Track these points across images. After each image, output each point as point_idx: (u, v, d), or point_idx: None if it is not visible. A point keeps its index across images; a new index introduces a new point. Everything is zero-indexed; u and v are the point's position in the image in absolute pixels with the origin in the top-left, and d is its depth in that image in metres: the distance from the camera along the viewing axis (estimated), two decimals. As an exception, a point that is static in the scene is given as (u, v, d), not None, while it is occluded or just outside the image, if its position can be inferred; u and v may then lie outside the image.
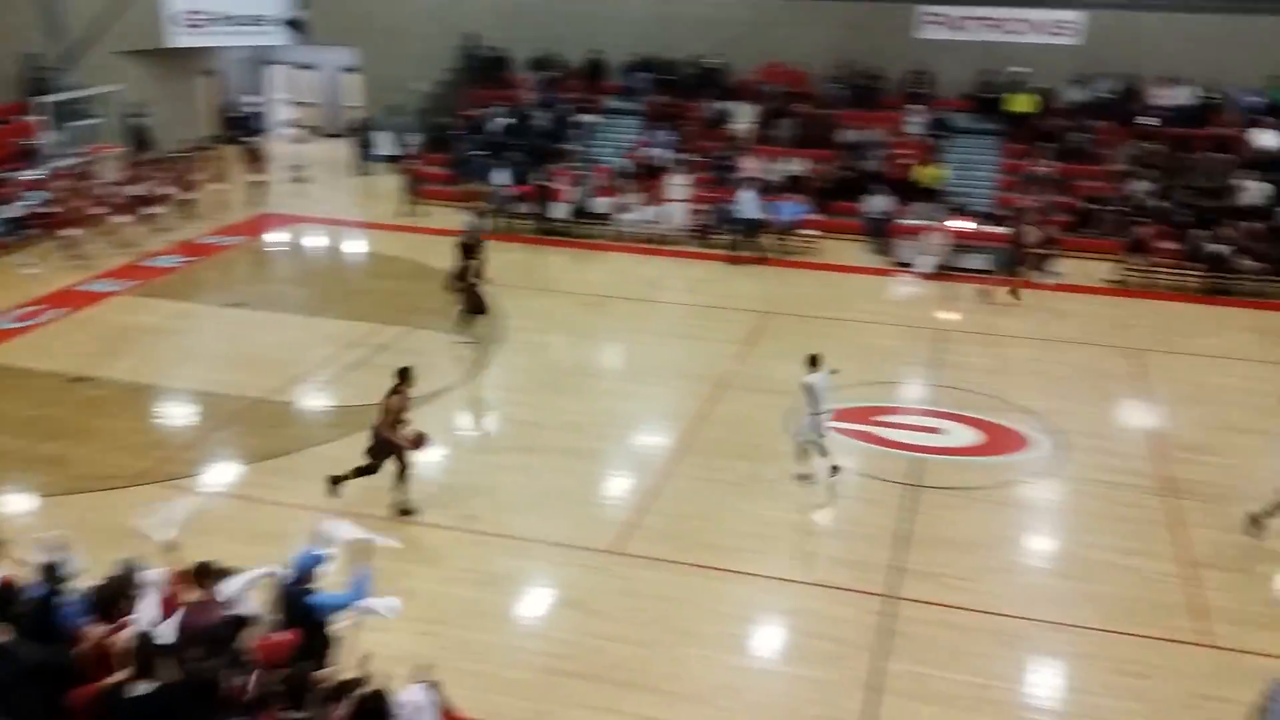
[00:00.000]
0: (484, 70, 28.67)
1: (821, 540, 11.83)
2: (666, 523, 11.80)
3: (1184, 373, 16.35)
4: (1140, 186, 22.41)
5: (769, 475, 12.85)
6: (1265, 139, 22.75)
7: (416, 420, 11.90)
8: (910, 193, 23.01)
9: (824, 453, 12.54)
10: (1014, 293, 19.40)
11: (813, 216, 22.65)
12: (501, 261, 19.33)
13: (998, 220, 21.75)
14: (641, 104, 27.00)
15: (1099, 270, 20.85)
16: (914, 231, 21.39)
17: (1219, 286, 20.07)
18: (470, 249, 18.75)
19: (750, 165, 24.31)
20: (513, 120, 26.71)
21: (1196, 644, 9.99)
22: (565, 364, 16.37)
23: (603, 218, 23.17)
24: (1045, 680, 9.61)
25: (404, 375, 11.63)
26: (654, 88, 27.19)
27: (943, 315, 18.92)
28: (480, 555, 11.14)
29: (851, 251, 22.43)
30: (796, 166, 24.21)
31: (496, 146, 25.74)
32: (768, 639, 10.09)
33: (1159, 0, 24.57)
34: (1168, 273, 20.49)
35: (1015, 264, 19.51)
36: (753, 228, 21.74)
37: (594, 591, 10.55)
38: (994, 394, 15.30)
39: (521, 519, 11.76)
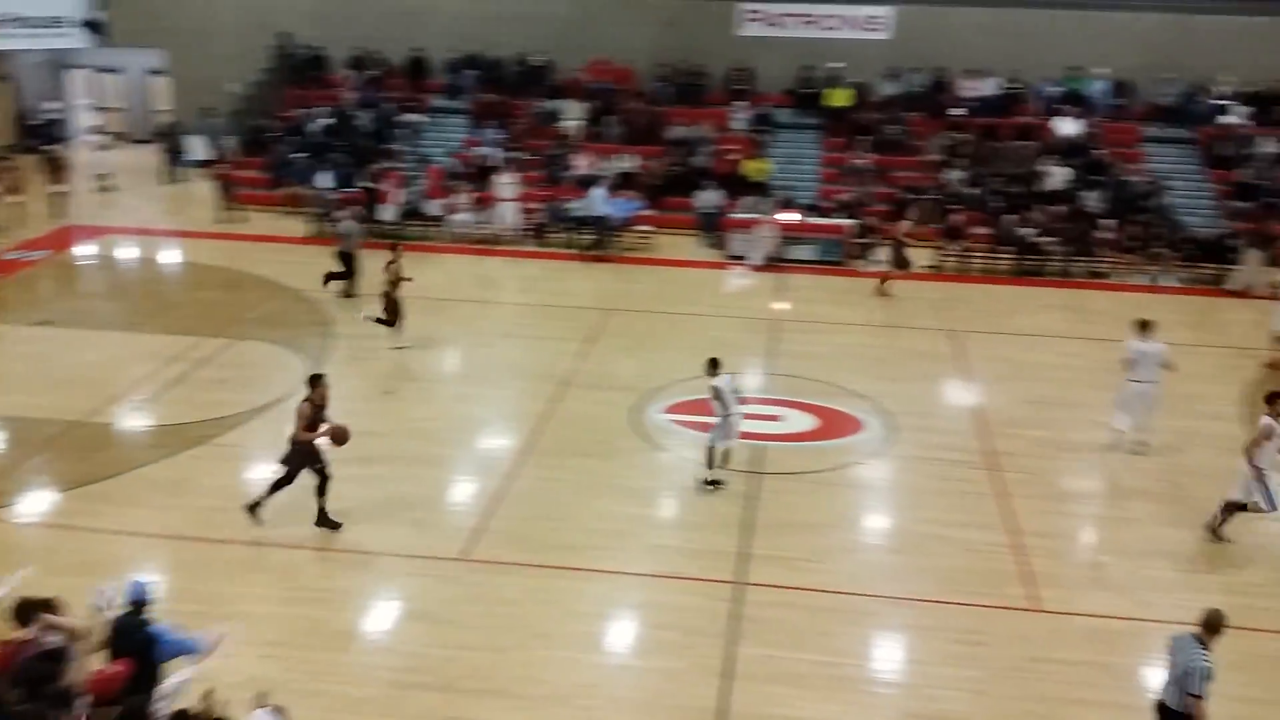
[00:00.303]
0: (301, 70, 27.76)
1: (670, 533, 11.89)
2: (515, 526, 11.65)
3: (1001, 351, 17.19)
4: (953, 175, 23.47)
5: (615, 471, 12.85)
6: (1065, 127, 24.16)
7: (257, 433, 11.38)
8: (739, 187, 23.47)
9: (712, 464, 12.49)
10: (883, 284, 19.93)
11: (646, 212, 22.82)
12: (327, 267, 18.75)
13: (823, 212, 22.41)
14: (467, 102, 26.65)
15: (918, 257, 21.68)
16: (745, 225, 21.82)
17: (1029, 268, 21.20)
18: (348, 256, 18.39)
19: (582, 162, 24.32)
20: (333, 121, 25.94)
21: (1028, 610, 10.49)
22: (403, 370, 15.98)
23: (434, 219, 22.75)
24: (889, 654, 9.91)
25: (316, 381, 11.16)
26: (479, 86, 26.89)
27: (776, 305, 19.36)
28: (323, 572, 10.75)
29: (685, 246, 22.72)
30: (627, 163, 24.34)
31: (318, 148, 24.97)
32: (622, 634, 10.07)
33: (959, -3, 25.82)
34: (982, 257, 21.53)
35: (897, 257, 20.09)
36: (604, 225, 21.75)
37: (443, 601, 10.32)
38: (827, 380, 15.73)
39: (365, 532, 11.40)
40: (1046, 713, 9.07)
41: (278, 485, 11.19)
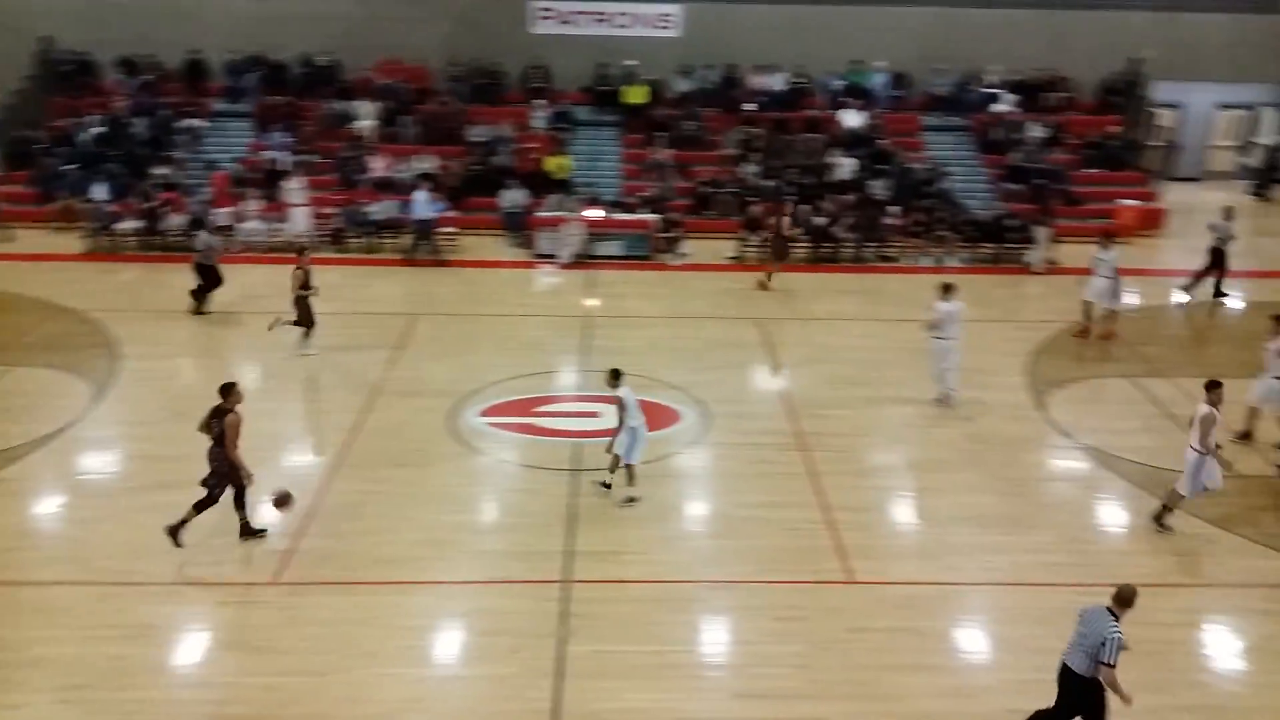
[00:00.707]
0: (68, 77, 25.93)
1: (493, 537, 11.73)
2: (329, 544, 11.25)
3: (803, 336, 17.78)
4: (749, 168, 24.11)
5: (433, 480, 12.58)
6: (850, 119, 25.19)
7: (41, 465, 10.56)
8: (543, 185, 23.41)
9: (631, 479, 12.28)
10: (767, 279, 20.11)
11: (449, 214, 22.44)
12: (108, 285, 17.62)
13: (628, 208, 22.62)
14: (251, 105, 25.54)
15: (721, 249, 22.21)
16: (551, 223, 21.78)
17: (824, 255, 21.99)
18: (206, 270, 17.62)
19: (378, 165, 23.72)
20: (106, 129, 24.37)
21: (844, 582, 10.88)
22: (197, 389, 15.10)
23: (222, 229, 21.69)
24: (715, 637, 10.09)
25: (229, 390, 10.88)
26: (263, 88, 25.81)
27: (586, 302, 19.40)
28: (122, 607, 10.07)
29: (492, 246, 22.48)
30: (426, 164, 23.88)
31: (90, 159, 23.42)
32: (450, 645, 9.86)
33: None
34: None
35: (779, 254, 20.33)
36: (426, 228, 21.24)
37: (257, 628, 9.85)
38: (641, 373, 15.86)
39: (166, 562, 10.74)
40: (866, 679, 9.42)
41: (201, 506, 10.84)
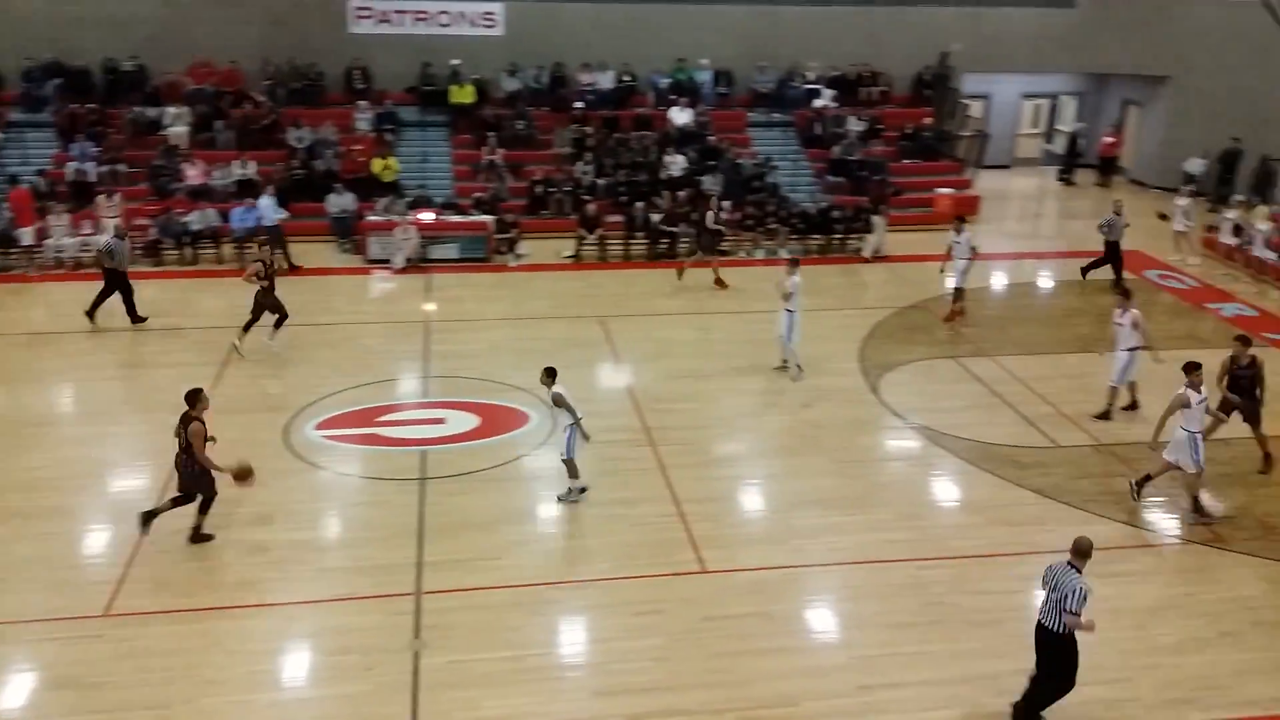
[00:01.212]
0: None
1: (339, 553, 11.36)
2: (164, 571, 10.69)
3: (644, 332, 17.90)
4: (582, 167, 24.12)
5: (271, 498, 12.09)
6: (679, 116, 25.50)
7: None
8: (371, 189, 22.84)
9: (574, 474, 12.21)
10: (718, 280, 19.99)
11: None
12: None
13: (461, 209, 22.31)
14: (51, 114, 23.99)
15: (558, 248, 22.15)
16: (382, 227, 21.26)
17: (660, 252, 22.19)
18: (114, 274, 17.23)
19: (193, 172, 22.69)
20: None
21: (698, 572, 11.00)
22: (6, 416, 14.17)
23: (25, 247, 20.35)
24: (573, 638, 10.05)
25: (195, 397, 11.01)
26: (63, 95, 24.28)
27: (424, 307, 19.04)
28: (-68, 656, 9.32)
29: (322, 253, 21.79)
30: (246, 170, 22.96)
31: None
32: (300, 666, 9.50)
33: (570, -6, 26.54)
34: (616, 244, 22.30)
35: (708, 248, 20.25)
36: (276, 234, 20.34)
37: (89, 663, 9.27)
38: (485, 377, 15.69)
39: (-20, 603, 10.01)
40: (723, 667, 9.54)
41: (178, 502, 11.09)
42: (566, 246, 22.06)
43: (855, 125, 25.98)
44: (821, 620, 10.42)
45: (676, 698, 9.15)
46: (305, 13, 25.66)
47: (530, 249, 21.91)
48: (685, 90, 26.37)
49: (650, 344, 17.32)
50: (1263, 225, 21.24)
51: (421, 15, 26.11)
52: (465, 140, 25.09)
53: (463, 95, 25.58)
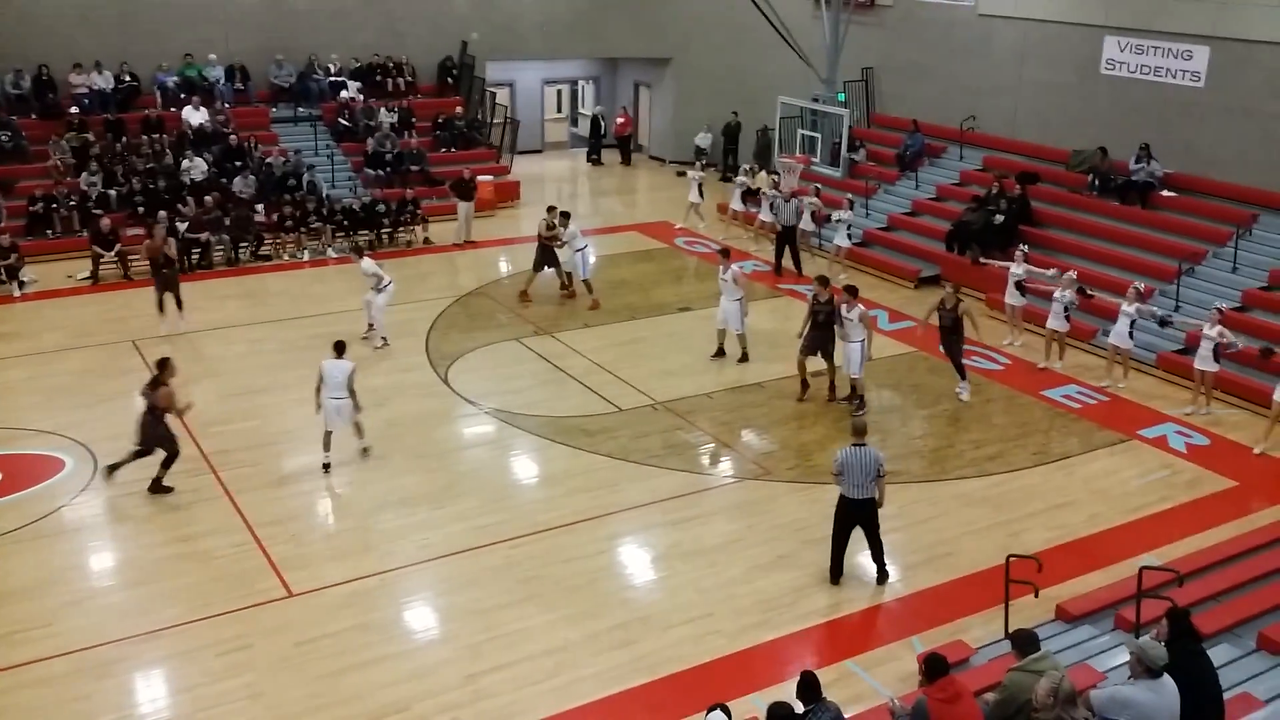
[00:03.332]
0: None
1: None
2: None
3: (190, 352, 16.44)
4: (88, 178, 21.73)
5: None
6: (193, 116, 23.72)
7: None
8: None
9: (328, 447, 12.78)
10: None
11: None
12: None
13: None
14: None
15: (72, 269, 19.82)
16: None
17: (195, 263, 20.52)
18: None
19: None
20: None
21: (283, 598, 10.39)
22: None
23: None
24: (153, 694, 9.14)
25: (164, 365, 12.22)
26: None
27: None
28: None
29: None
30: None
31: None
32: None
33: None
34: (141, 259, 20.29)
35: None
36: None
37: None
38: (1, 424, 13.71)
39: None
40: (325, 689, 9.13)
41: (137, 455, 12.05)
42: (81, 268, 19.77)
43: (386, 117, 25.63)
44: (421, 619, 10.28)
45: (279, 732, 8.61)
46: None
47: (37, 274, 19.42)
48: (197, 88, 24.57)
49: (198, 363, 15.95)
50: (769, 190, 23.60)
51: None
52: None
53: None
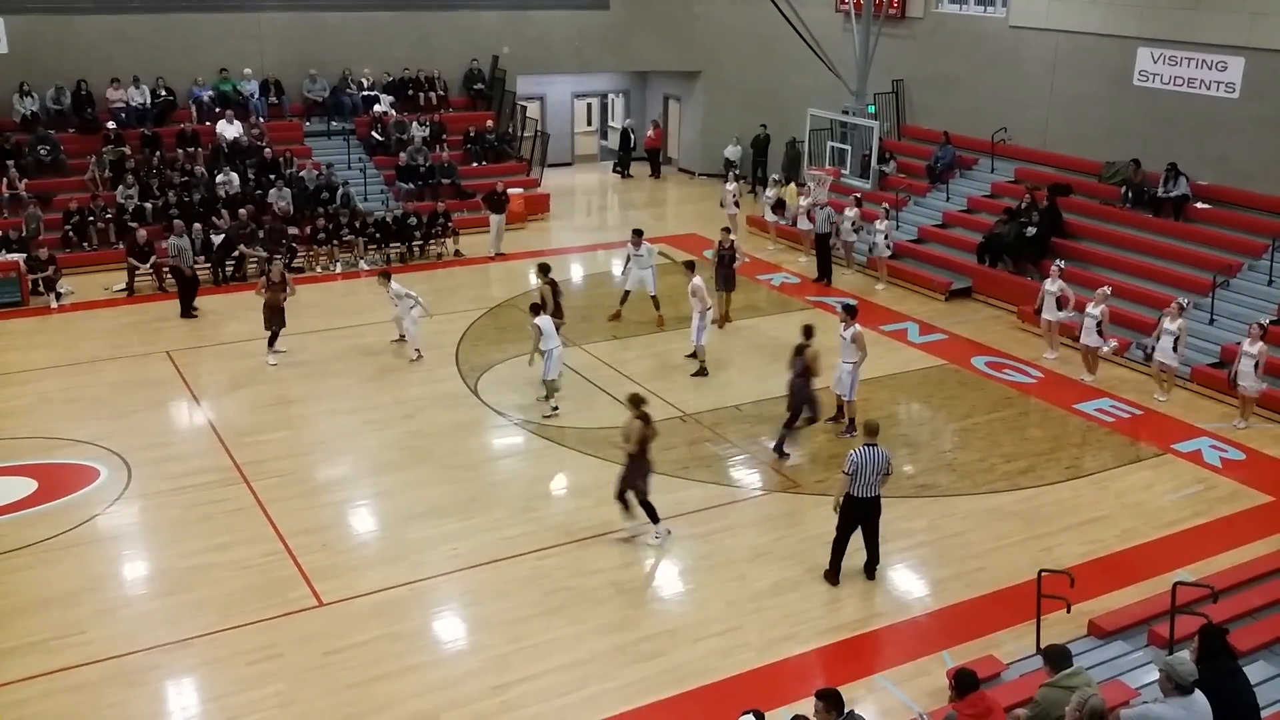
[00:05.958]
0: None
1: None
2: None
3: (221, 362, 16.67)
4: (124, 191, 22.02)
5: None
6: (228, 130, 24.00)
7: None
8: None
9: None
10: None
11: None
12: None
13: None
14: None
15: (109, 281, 20.09)
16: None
17: (230, 275, 20.70)
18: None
19: None
20: None
21: (314, 607, 10.45)
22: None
23: None
24: (184, 702, 9.21)
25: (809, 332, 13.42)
26: None
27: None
28: None
29: None
30: None
31: None
32: None
33: (83, 5, 23.97)
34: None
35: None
36: None
37: None
38: (38, 434, 13.91)
39: None
40: (354, 698, 9.17)
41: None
42: (117, 280, 20.04)
43: (418, 130, 25.83)
44: (449, 630, 10.30)
45: (310, 741, 8.66)
46: None
47: (73, 286, 19.69)
48: (232, 103, 24.87)
49: (229, 374, 16.16)
50: (803, 201, 23.53)
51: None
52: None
53: (-35, 120, 22.42)
